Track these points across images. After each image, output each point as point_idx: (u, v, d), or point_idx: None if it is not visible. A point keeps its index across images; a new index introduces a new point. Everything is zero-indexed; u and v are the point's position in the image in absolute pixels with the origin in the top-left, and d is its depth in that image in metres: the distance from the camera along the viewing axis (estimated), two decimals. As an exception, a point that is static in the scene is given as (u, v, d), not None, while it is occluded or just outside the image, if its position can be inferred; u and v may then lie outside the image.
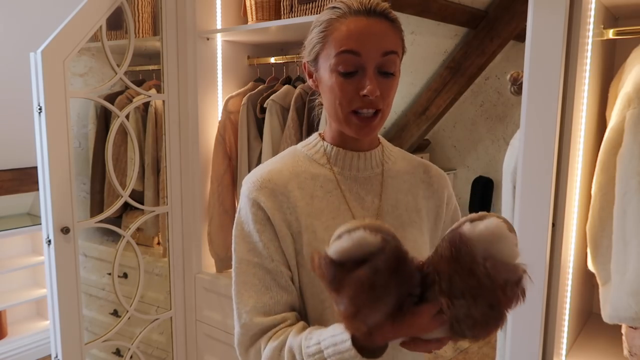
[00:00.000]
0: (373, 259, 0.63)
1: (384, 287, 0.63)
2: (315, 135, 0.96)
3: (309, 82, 0.91)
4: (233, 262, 0.89)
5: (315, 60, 0.87)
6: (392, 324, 0.67)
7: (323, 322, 0.85)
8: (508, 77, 1.53)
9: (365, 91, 0.80)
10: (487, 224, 0.64)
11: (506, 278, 0.64)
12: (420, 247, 0.93)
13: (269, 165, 0.91)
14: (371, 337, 0.68)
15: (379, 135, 0.97)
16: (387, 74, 0.83)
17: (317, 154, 0.92)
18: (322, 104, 0.93)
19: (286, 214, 0.86)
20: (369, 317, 0.64)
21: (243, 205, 0.88)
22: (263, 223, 0.86)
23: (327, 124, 0.93)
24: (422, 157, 1.07)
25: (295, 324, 0.84)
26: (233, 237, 0.90)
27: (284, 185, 0.87)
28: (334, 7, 0.85)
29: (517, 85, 1.50)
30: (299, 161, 0.91)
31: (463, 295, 0.63)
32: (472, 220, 0.65)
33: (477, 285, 0.62)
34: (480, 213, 0.68)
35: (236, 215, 0.90)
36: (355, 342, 0.71)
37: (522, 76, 1.37)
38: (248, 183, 0.89)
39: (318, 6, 1.80)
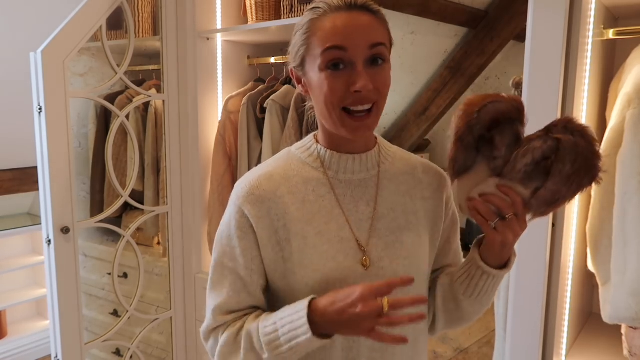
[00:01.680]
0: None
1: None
2: (310, 137, 0.94)
3: (298, 88, 0.89)
4: (212, 260, 0.92)
5: (302, 64, 0.85)
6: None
7: None
8: (511, 82, 1.53)
9: (357, 87, 0.78)
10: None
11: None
12: (418, 249, 0.91)
13: (260, 170, 0.90)
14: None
15: (377, 135, 0.95)
16: (377, 61, 0.81)
17: (310, 157, 0.90)
18: (313, 108, 0.90)
19: (273, 221, 0.85)
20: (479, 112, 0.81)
21: (229, 209, 0.88)
22: (245, 231, 0.86)
23: (319, 128, 0.91)
24: (422, 157, 1.06)
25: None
26: (215, 237, 0.91)
27: (273, 191, 0.86)
28: (313, 8, 0.83)
29: (519, 89, 1.49)
30: (292, 164, 0.90)
31: (572, 132, 0.79)
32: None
33: (587, 135, 0.80)
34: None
35: (223, 216, 0.91)
36: (310, 321, 0.76)
37: None
38: (237, 188, 0.88)
39: (318, 6, 1.80)
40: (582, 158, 0.79)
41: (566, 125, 0.81)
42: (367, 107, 0.81)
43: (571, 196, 0.82)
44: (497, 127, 0.82)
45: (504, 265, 0.89)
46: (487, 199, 0.82)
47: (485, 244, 0.87)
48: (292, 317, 0.78)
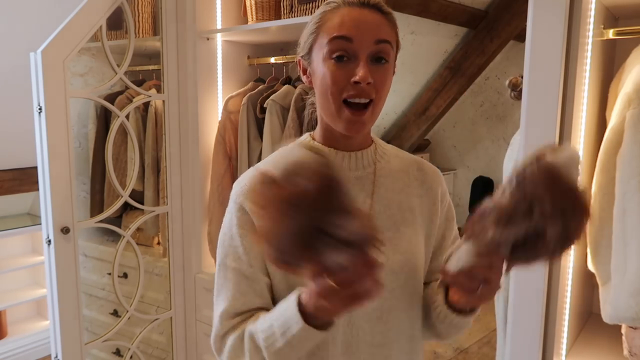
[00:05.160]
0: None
1: (296, 203, 0.60)
2: (306, 135, 0.95)
3: (303, 78, 0.91)
4: (216, 265, 0.90)
5: (309, 52, 0.87)
6: (307, 258, 0.63)
7: None
8: (507, 82, 1.53)
9: (357, 77, 0.80)
10: (570, 151, 0.72)
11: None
12: (415, 246, 0.91)
13: (258, 168, 0.90)
14: (287, 267, 0.66)
15: (373, 135, 0.96)
16: (381, 60, 0.82)
17: None
18: (314, 105, 0.92)
19: None
20: (276, 235, 0.62)
21: (229, 209, 0.88)
22: (246, 228, 0.85)
23: (318, 124, 0.93)
24: (422, 157, 1.06)
25: None
26: (218, 241, 0.90)
27: None
28: (328, 2, 0.86)
29: (516, 90, 1.49)
30: None
31: (563, 212, 0.69)
32: (550, 150, 0.71)
33: (575, 200, 0.69)
34: (551, 144, 0.76)
35: (224, 219, 0.90)
36: (303, 313, 0.72)
37: (521, 82, 1.37)
38: (237, 187, 0.89)
39: (318, 6, 1.80)
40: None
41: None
42: (364, 100, 0.82)
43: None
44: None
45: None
46: (473, 274, 0.73)
47: (461, 302, 0.84)
48: (283, 307, 0.77)
